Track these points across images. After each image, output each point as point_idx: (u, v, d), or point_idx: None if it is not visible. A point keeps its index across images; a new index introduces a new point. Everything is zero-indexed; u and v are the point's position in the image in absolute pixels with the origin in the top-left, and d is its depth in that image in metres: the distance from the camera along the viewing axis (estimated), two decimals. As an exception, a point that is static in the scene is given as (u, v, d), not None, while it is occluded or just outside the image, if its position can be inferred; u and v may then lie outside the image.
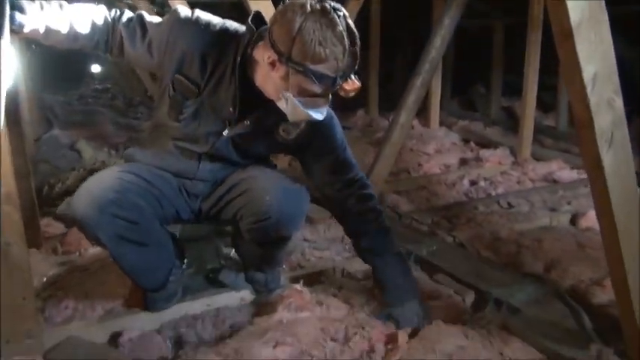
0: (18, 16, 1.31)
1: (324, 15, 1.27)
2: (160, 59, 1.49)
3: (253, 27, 1.43)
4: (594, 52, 1.02)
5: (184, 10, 1.49)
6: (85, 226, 1.44)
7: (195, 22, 1.46)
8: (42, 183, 2.61)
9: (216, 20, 1.49)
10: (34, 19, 1.36)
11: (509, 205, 2.71)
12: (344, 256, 2.13)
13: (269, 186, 1.52)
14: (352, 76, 1.34)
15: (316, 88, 1.34)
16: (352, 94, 1.36)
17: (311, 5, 1.28)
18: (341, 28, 1.27)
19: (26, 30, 1.35)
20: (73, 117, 4.25)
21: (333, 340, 1.49)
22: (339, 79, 1.31)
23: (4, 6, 1.24)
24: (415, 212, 2.60)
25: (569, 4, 1.01)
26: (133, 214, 1.46)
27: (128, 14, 1.52)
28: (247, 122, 1.51)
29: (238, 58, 1.42)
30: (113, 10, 1.53)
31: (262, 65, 1.39)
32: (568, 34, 1.01)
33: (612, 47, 1.06)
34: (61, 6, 1.43)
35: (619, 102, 1.06)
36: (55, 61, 5.21)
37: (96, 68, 6.70)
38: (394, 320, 1.60)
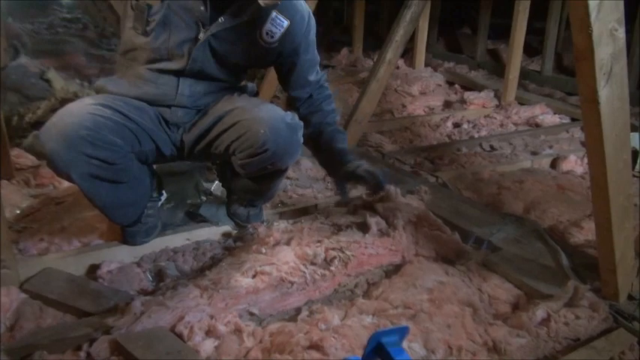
0: None
1: None
2: None
3: None
4: (601, -22, 0.97)
5: None
6: (56, 164, 1.36)
7: None
8: (11, 113, 2.48)
9: None
10: None
11: (492, 148, 2.71)
12: (326, 194, 2.11)
13: (263, 117, 1.46)
14: None
15: None
16: None
17: None
18: None
19: None
20: (42, 46, 4.01)
21: (312, 264, 1.49)
22: None
23: None
24: (398, 152, 2.59)
25: None
26: (108, 154, 1.37)
27: None
28: (222, 19, 1.43)
29: None
30: None
31: None
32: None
33: (619, -26, 1.01)
34: None
35: (622, 32, 1.02)
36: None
37: (65, -4, 6.28)
38: (359, 175, 1.59)
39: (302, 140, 1.54)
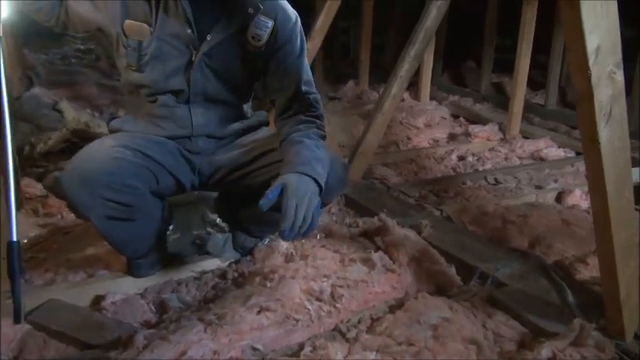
0: None
1: None
2: (106, 11, 1.41)
3: None
4: (599, 24, 1.00)
5: None
6: (77, 208, 1.40)
7: None
8: (23, 142, 2.53)
9: None
10: None
11: (497, 181, 2.72)
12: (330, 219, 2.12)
13: None
14: None
15: None
16: None
17: None
18: None
19: None
20: (56, 76, 4.11)
21: (318, 300, 1.48)
22: None
23: None
24: (403, 185, 2.60)
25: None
26: (127, 198, 1.40)
27: None
28: (209, 37, 1.44)
29: None
30: None
31: None
32: (574, 3, 0.98)
33: (618, 20, 1.04)
34: None
35: (620, 75, 1.05)
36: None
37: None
38: (282, 190, 1.31)
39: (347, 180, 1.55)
